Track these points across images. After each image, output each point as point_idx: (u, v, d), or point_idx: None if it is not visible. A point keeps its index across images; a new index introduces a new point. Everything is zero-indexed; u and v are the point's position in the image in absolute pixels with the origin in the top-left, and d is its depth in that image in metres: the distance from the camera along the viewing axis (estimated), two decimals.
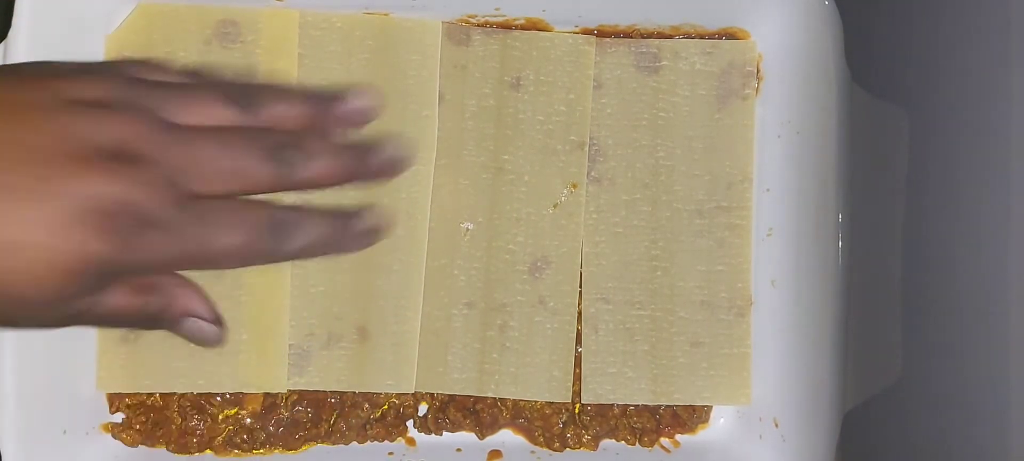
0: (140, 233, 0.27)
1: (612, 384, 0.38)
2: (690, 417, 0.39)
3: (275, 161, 0.28)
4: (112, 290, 0.28)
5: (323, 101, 0.30)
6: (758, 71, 0.39)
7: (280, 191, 0.29)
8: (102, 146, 0.26)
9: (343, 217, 0.31)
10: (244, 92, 0.29)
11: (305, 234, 0.30)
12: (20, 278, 0.26)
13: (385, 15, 0.37)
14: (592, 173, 0.38)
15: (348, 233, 0.31)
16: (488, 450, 0.38)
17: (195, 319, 0.30)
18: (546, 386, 0.38)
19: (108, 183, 0.26)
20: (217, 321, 0.31)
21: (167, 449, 0.36)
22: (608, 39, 0.38)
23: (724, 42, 0.39)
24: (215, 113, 0.29)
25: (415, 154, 0.33)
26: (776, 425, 0.38)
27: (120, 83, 0.28)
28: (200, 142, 0.28)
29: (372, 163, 0.30)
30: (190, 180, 0.28)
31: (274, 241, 0.29)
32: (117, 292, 0.28)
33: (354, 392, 0.37)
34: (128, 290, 0.29)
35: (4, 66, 0.29)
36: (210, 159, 0.28)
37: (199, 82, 0.30)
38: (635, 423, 0.39)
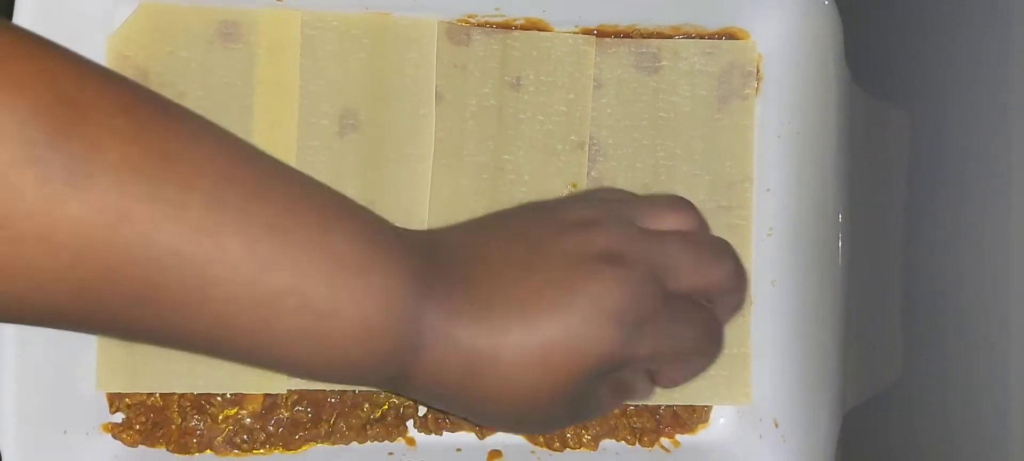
0: (639, 329, 0.30)
1: None
2: (690, 417, 0.39)
3: (725, 260, 0.32)
4: (602, 387, 0.32)
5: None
6: (758, 71, 0.39)
7: (724, 293, 0.33)
8: (596, 252, 0.30)
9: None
10: (688, 203, 0.34)
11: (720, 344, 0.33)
12: (559, 376, 0.29)
13: (385, 15, 0.37)
14: (592, 173, 0.38)
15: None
16: (488, 450, 0.38)
17: None
18: None
19: (610, 282, 0.29)
20: None
21: (167, 449, 0.36)
22: (608, 39, 0.38)
23: (724, 42, 0.39)
24: (670, 220, 0.33)
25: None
26: (776, 425, 0.38)
27: (596, 204, 0.32)
28: (668, 240, 0.31)
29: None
30: (666, 277, 0.31)
31: (716, 345, 0.33)
32: (603, 389, 0.32)
33: (354, 392, 0.37)
34: (611, 387, 0.32)
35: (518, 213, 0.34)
36: (677, 255, 0.31)
37: (653, 198, 0.34)
38: (635, 423, 0.38)
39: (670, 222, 0.33)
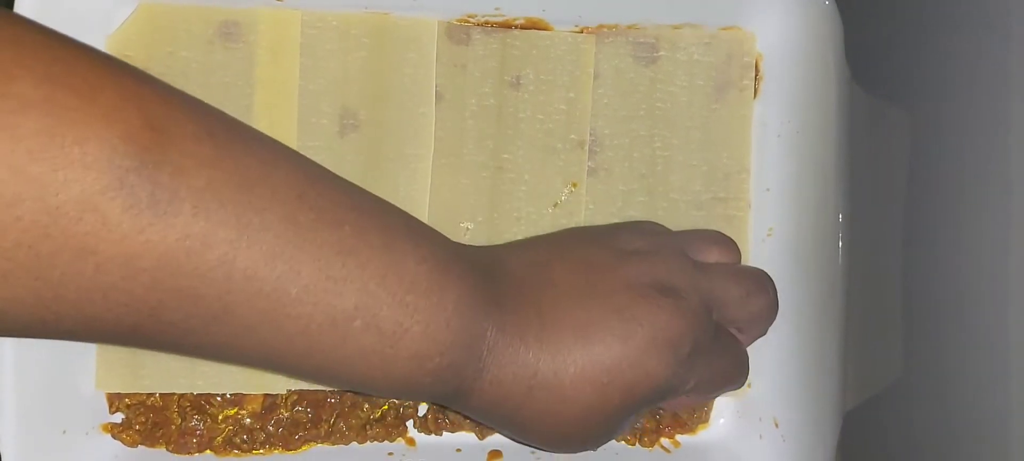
0: (691, 360, 0.31)
1: None
2: (690, 417, 0.39)
3: (766, 293, 0.34)
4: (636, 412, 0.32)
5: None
6: (758, 70, 0.39)
7: (757, 323, 0.34)
8: (654, 282, 0.31)
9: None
10: (728, 238, 0.35)
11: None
12: (614, 399, 0.30)
13: (385, 15, 0.37)
14: (589, 164, 0.38)
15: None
16: (488, 450, 0.38)
17: None
18: None
19: (669, 313, 0.30)
20: None
21: (167, 449, 0.36)
22: (606, 30, 0.38)
23: (722, 33, 0.38)
24: (714, 253, 0.34)
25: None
26: (776, 425, 0.38)
27: (648, 234, 0.34)
28: (716, 273, 0.33)
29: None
30: (713, 309, 0.32)
31: (745, 375, 0.35)
32: (635, 414, 0.32)
33: (354, 392, 0.37)
34: (636, 414, 0.32)
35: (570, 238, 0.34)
36: (725, 288, 0.33)
37: (699, 233, 0.36)
38: (635, 423, 0.38)
39: (714, 255, 0.34)
